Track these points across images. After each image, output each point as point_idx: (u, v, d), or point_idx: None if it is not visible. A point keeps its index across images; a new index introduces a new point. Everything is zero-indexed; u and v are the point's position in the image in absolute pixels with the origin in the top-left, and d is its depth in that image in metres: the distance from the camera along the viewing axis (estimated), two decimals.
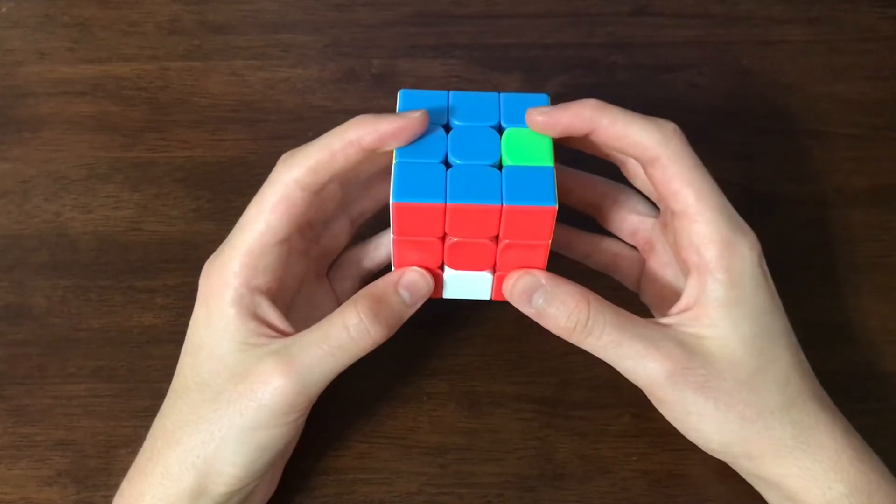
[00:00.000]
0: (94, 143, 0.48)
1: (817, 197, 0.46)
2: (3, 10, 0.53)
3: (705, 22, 0.52)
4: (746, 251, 0.34)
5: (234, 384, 0.33)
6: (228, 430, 0.33)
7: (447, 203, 0.32)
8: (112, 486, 0.39)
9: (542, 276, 0.35)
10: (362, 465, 0.39)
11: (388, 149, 0.34)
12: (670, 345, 0.33)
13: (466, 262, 0.35)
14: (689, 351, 0.33)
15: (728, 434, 0.34)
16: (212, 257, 0.36)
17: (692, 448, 0.36)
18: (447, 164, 0.33)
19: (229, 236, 0.35)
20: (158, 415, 0.36)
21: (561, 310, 0.34)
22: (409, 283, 0.35)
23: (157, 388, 0.41)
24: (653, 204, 0.40)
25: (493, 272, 0.36)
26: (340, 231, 0.39)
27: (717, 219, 0.34)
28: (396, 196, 0.32)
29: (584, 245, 0.41)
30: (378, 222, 0.39)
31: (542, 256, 0.35)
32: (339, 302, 0.40)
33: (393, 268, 0.36)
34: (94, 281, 0.44)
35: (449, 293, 0.37)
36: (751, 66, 0.50)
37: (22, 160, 0.47)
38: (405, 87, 0.50)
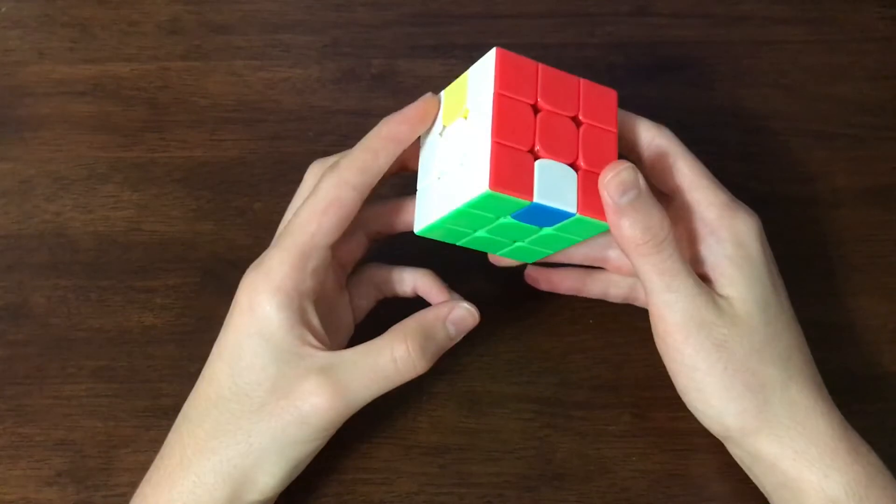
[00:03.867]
0: (93, 143, 0.48)
1: (817, 197, 0.46)
2: (3, 9, 0.53)
3: (705, 22, 0.52)
4: (746, 217, 0.36)
5: (277, 398, 0.34)
6: (269, 443, 0.34)
7: (539, 63, 0.35)
8: (112, 485, 0.39)
9: (642, 180, 0.34)
10: (362, 465, 0.39)
11: (420, 133, 0.36)
12: (708, 298, 0.35)
13: (555, 145, 0.34)
14: (718, 307, 0.35)
15: (728, 401, 0.34)
16: (255, 264, 0.36)
17: (692, 448, 0.36)
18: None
19: (276, 242, 0.35)
20: (185, 419, 0.36)
21: (642, 219, 0.34)
22: (458, 319, 0.37)
23: (157, 388, 0.41)
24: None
25: (577, 169, 0.35)
26: (358, 246, 0.40)
27: (715, 188, 0.36)
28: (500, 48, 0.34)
29: (599, 283, 0.42)
30: (395, 246, 0.39)
31: (614, 148, 0.35)
32: (355, 316, 0.40)
33: (490, 139, 0.33)
34: (94, 281, 0.44)
35: (539, 195, 0.34)
36: (751, 66, 0.50)
37: (22, 160, 0.47)
38: (405, 88, 0.50)
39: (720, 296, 0.35)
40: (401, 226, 0.39)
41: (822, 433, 0.34)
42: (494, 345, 0.42)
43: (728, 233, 0.36)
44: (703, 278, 0.36)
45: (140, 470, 0.39)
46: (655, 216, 0.34)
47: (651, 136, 0.37)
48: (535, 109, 0.35)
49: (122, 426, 0.40)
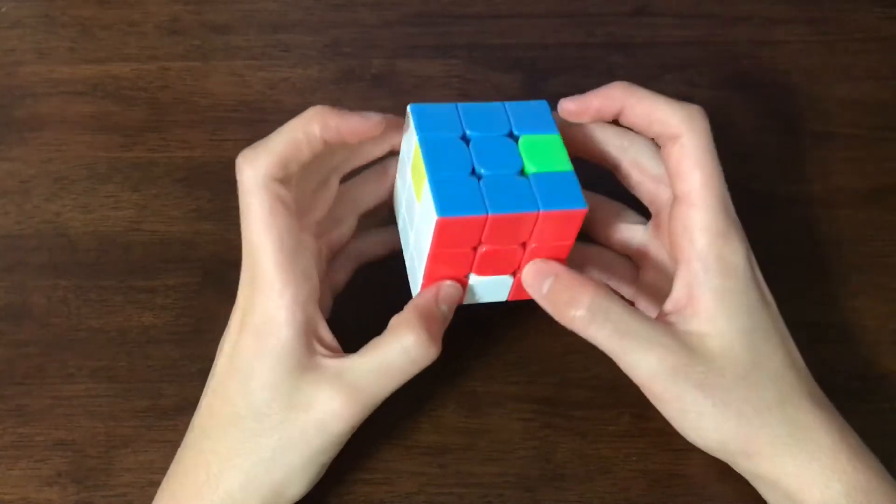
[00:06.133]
0: (94, 143, 0.48)
1: (817, 197, 0.46)
2: (3, 9, 0.53)
3: (705, 22, 0.52)
4: (738, 244, 0.35)
5: (297, 413, 0.34)
6: (294, 456, 0.34)
7: (489, 214, 0.33)
8: (112, 485, 0.39)
9: (554, 265, 0.35)
10: (362, 465, 0.39)
11: (348, 144, 0.34)
12: (672, 341, 0.34)
13: (493, 269, 0.36)
14: (689, 348, 0.34)
15: (726, 432, 0.34)
16: (248, 286, 0.35)
17: (692, 448, 0.36)
18: (476, 175, 0.34)
19: (250, 262, 0.35)
20: (204, 436, 0.35)
21: (567, 295, 0.34)
22: (448, 297, 0.36)
23: (157, 388, 0.41)
24: (642, 212, 0.40)
25: (514, 275, 0.36)
26: (347, 229, 0.39)
27: (716, 207, 0.34)
28: (441, 212, 0.32)
29: (576, 257, 0.41)
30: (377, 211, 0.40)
31: (564, 255, 0.35)
32: (333, 290, 0.40)
33: (422, 281, 0.36)
34: (94, 281, 0.44)
35: (469, 300, 0.37)
36: (751, 66, 0.50)
37: (22, 160, 0.47)
38: (405, 88, 0.50)
39: (692, 332, 0.34)
40: (381, 194, 0.39)
41: (821, 446, 0.34)
42: (494, 345, 0.42)
43: (716, 263, 0.34)
44: (684, 302, 0.35)
45: (140, 470, 0.39)
46: (576, 289, 0.34)
47: (672, 122, 0.34)
48: (477, 248, 0.35)
49: (122, 426, 0.40)
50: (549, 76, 0.50)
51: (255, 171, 0.33)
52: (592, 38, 0.51)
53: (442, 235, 0.33)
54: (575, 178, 0.34)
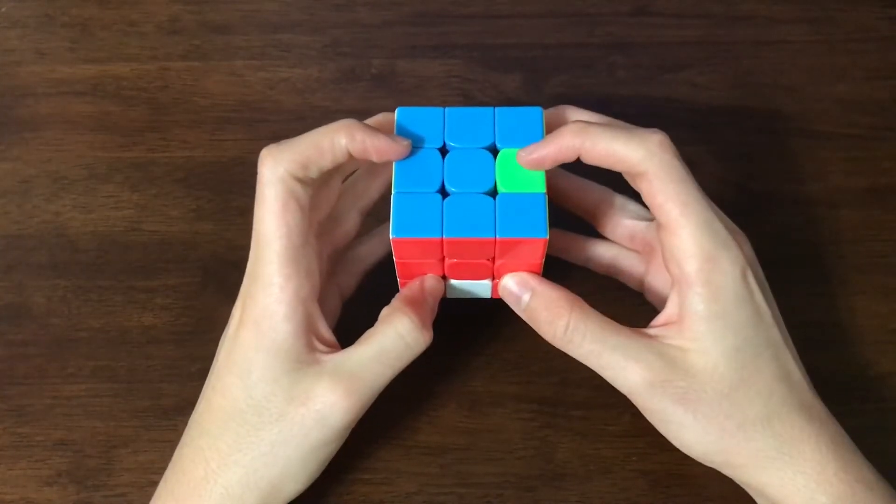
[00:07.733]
0: (94, 143, 0.48)
1: (817, 197, 0.46)
2: (3, 9, 0.53)
3: (705, 22, 0.52)
4: (728, 266, 0.34)
5: (296, 406, 0.34)
6: (294, 450, 0.34)
7: (443, 237, 0.33)
8: (112, 485, 0.39)
9: (532, 280, 0.35)
10: (362, 465, 0.39)
11: (369, 159, 0.34)
12: (651, 356, 0.34)
13: (465, 276, 0.36)
14: (669, 363, 0.34)
15: (708, 444, 0.34)
16: (250, 279, 0.35)
17: None
18: (444, 192, 0.34)
19: (256, 254, 0.35)
20: (203, 433, 0.35)
21: (544, 315, 0.35)
22: (432, 290, 0.37)
23: (157, 388, 0.41)
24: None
25: (492, 279, 0.37)
26: (352, 226, 0.39)
27: (699, 233, 0.34)
28: (396, 232, 0.33)
29: (582, 250, 0.41)
30: (377, 210, 0.40)
31: (538, 265, 0.35)
32: (342, 295, 0.40)
33: (398, 281, 0.37)
34: (94, 281, 0.44)
35: (451, 294, 0.38)
36: (751, 66, 0.50)
37: (22, 160, 0.47)
38: (405, 88, 0.50)
39: (678, 347, 0.34)
40: (384, 184, 0.39)
41: (808, 459, 0.34)
42: (494, 345, 0.42)
43: (704, 288, 0.34)
44: (675, 319, 0.35)
45: (140, 470, 0.39)
46: (553, 309, 0.34)
47: (632, 161, 0.34)
48: (443, 259, 0.35)
49: (122, 426, 0.40)
50: (549, 76, 0.49)
51: (275, 164, 0.34)
52: (592, 38, 0.51)
53: (400, 251, 0.34)
54: (544, 202, 0.33)
